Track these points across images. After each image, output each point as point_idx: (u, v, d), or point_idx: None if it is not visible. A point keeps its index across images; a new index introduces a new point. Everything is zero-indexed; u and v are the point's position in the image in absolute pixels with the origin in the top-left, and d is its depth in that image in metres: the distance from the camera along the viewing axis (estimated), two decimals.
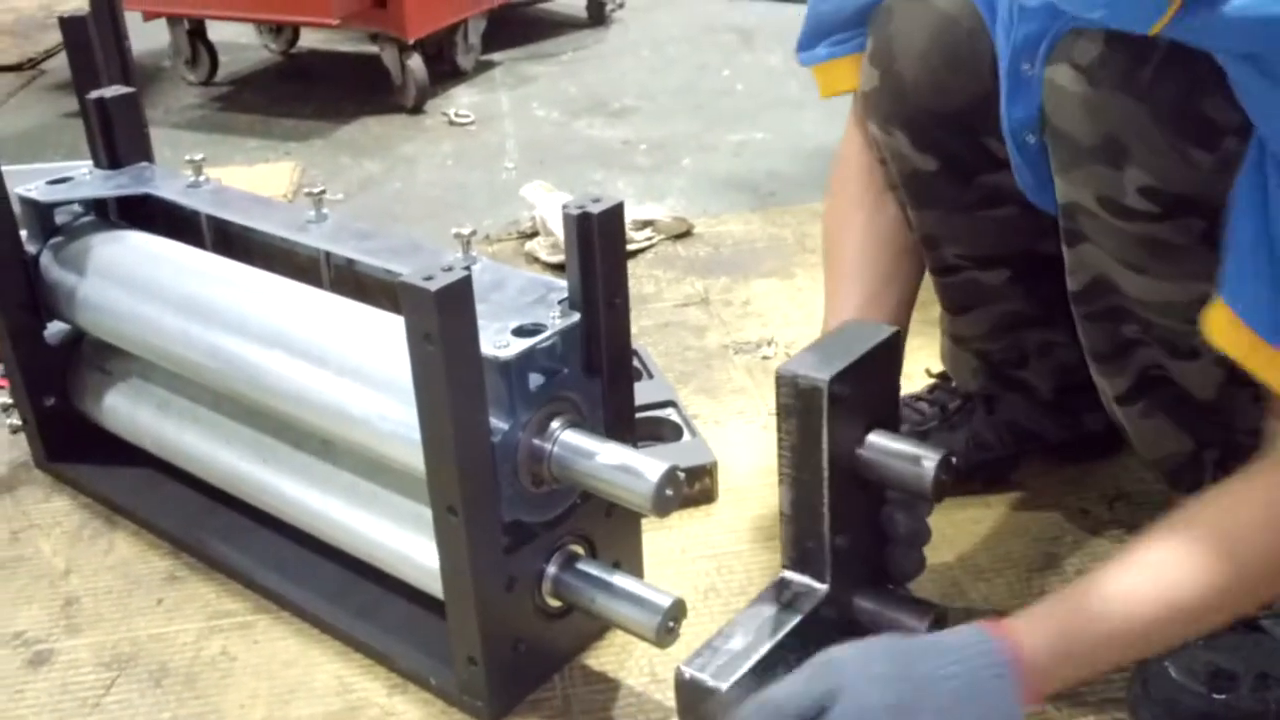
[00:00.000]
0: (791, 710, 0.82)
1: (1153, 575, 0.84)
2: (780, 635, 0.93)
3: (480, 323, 0.91)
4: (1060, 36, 0.90)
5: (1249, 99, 0.78)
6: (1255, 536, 0.83)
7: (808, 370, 0.93)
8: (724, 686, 0.89)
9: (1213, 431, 1.01)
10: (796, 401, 0.93)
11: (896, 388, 1.03)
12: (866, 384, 0.96)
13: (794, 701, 0.82)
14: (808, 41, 1.17)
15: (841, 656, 0.84)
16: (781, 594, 0.97)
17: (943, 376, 1.35)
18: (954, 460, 0.95)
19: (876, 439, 0.96)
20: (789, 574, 0.98)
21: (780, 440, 0.96)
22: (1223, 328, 0.82)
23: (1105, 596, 0.84)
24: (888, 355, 0.99)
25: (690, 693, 0.91)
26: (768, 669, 0.91)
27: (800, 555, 0.98)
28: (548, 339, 0.97)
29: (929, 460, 0.93)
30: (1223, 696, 0.95)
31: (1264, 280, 0.80)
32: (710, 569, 1.22)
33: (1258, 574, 0.83)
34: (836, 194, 1.21)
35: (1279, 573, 0.83)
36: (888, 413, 1.01)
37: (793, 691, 0.83)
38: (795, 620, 0.95)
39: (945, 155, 1.08)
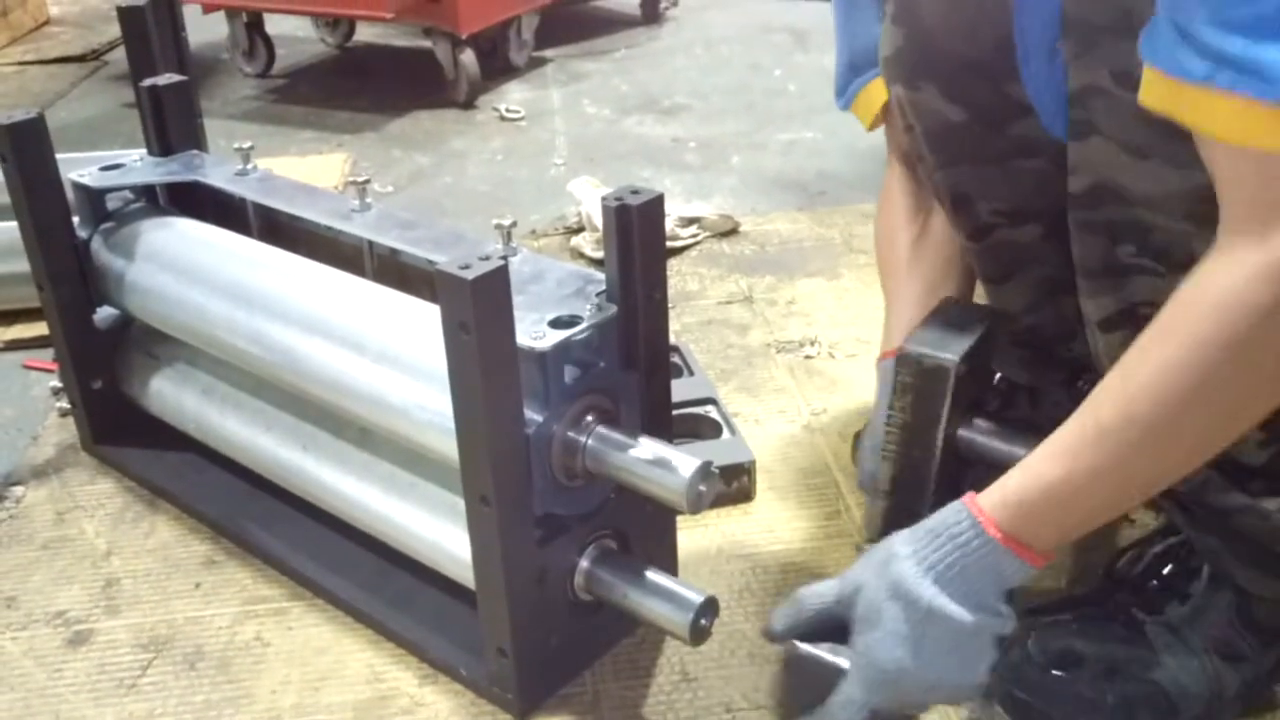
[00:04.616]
0: (814, 604, 0.93)
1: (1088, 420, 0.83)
2: None
3: (517, 313, 0.91)
4: None
5: None
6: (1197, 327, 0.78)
7: (932, 350, 0.97)
8: (844, 663, 0.89)
9: None
10: (918, 380, 0.97)
11: (991, 369, 1.09)
12: (976, 364, 1.00)
13: (818, 597, 0.94)
14: (843, 88, 1.24)
15: (864, 570, 0.92)
16: None
17: None
18: None
19: (981, 420, 1.01)
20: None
21: (891, 418, 0.99)
22: (1147, 87, 0.80)
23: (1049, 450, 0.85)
24: (991, 336, 1.05)
25: (804, 667, 0.92)
26: None
27: (891, 531, 0.98)
28: (584, 331, 0.96)
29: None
30: (1059, 674, 0.95)
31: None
32: (745, 569, 1.21)
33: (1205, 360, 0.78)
34: (883, 216, 1.26)
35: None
36: (983, 393, 1.05)
37: (820, 591, 0.94)
38: None
39: (973, 104, 1.08)
